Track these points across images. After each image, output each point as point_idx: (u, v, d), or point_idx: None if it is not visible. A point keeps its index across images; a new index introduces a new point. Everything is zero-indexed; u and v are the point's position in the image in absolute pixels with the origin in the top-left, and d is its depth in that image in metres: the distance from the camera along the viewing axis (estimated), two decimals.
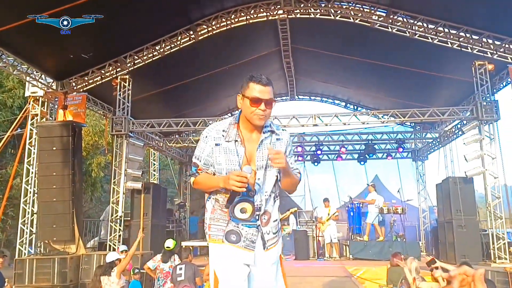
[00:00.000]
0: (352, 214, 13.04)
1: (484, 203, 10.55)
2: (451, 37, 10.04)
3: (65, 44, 9.19)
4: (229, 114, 17.09)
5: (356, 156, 16.35)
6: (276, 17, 11.01)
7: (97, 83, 11.30)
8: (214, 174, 2.52)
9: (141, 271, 7.94)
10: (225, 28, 10.96)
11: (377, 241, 11.94)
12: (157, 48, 11.09)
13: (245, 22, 10.97)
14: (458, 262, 7.46)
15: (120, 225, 10.82)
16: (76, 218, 9.71)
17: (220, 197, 2.54)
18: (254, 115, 2.44)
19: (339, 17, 10.52)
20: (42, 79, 10.55)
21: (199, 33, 11.03)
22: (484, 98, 10.20)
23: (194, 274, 6.81)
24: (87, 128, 15.13)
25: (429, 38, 10.13)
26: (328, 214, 12.21)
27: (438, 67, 11.73)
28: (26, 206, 10.43)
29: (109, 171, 14.62)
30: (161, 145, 15.13)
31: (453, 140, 13.79)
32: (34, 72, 10.32)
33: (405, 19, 10.27)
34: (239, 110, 2.57)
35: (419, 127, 15.56)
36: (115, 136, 11.38)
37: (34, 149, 10.51)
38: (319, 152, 15.96)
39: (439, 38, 10.10)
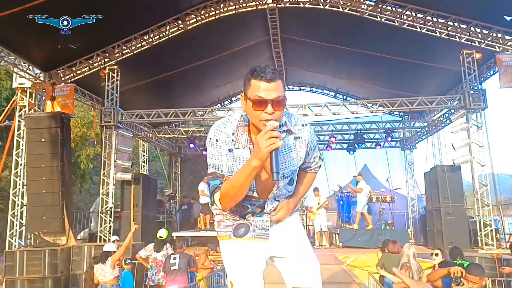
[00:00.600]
0: (341, 203, 13.21)
1: (471, 191, 10.71)
2: (440, 26, 10.11)
3: (53, 34, 9.06)
4: (219, 105, 17.04)
5: (345, 145, 16.43)
6: (265, 6, 10.94)
7: (85, 73, 11.18)
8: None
9: (133, 261, 7.97)
10: (214, 17, 10.90)
11: (367, 229, 12.09)
12: (145, 38, 11.00)
13: (234, 12, 10.90)
14: (446, 249, 7.60)
15: (110, 216, 10.80)
16: (66, 210, 9.68)
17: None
18: (260, 121, 1.95)
19: (328, 7, 10.50)
20: (29, 70, 10.41)
21: (188, 23, 10.94)
22: (471, 87, 10.30)
23: (188, 263, 6.91)
24: (75, 120, 14.98)
25: (418, 27, 10.20)
26: (318, 203, 12.29)
27: (427, 57, 11.81)
28: (15, 198, 10.35)
29: (98, 163, 14.55)
30: (150, 136, 15.07)
31: (441, 129, 13.93)
32: (22, 63, 10.18)
33: (394, 8, 10.30)
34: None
35: (407, 116, 15.65)
36: (104, 127, 11.31)
37: (23, 140, 10.40)
38: None
39: (427, 27, 10.17)
